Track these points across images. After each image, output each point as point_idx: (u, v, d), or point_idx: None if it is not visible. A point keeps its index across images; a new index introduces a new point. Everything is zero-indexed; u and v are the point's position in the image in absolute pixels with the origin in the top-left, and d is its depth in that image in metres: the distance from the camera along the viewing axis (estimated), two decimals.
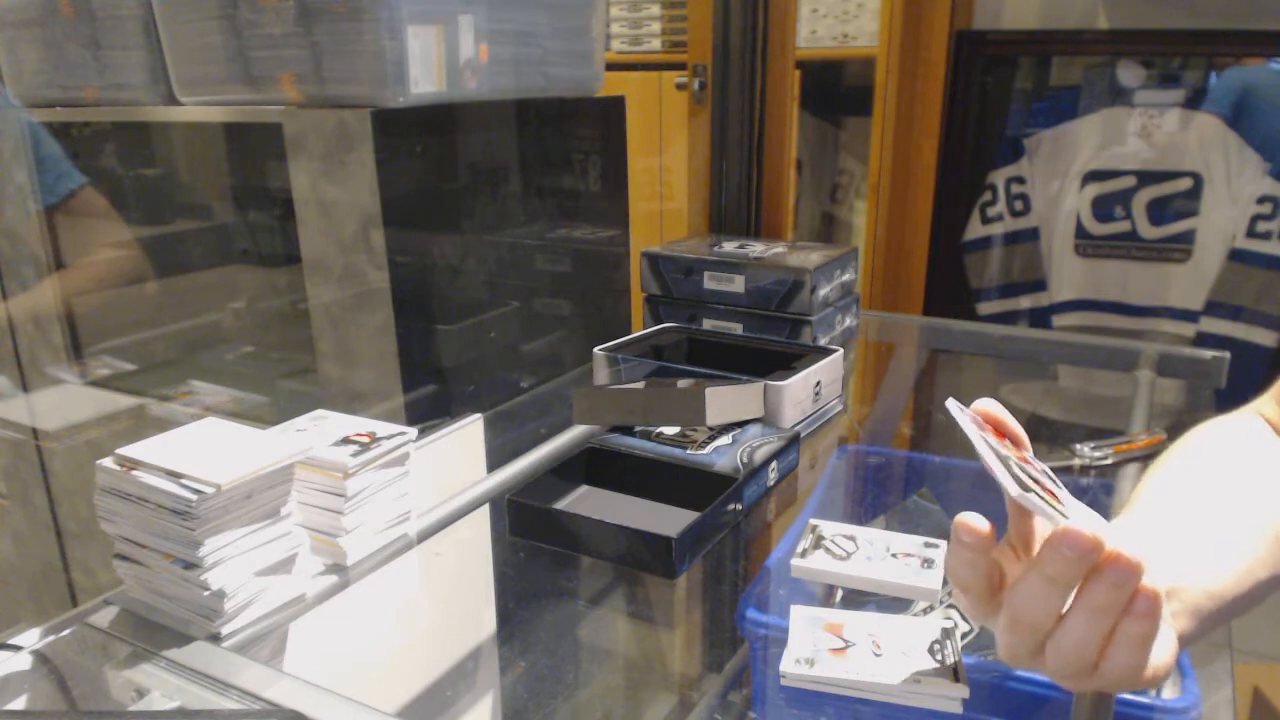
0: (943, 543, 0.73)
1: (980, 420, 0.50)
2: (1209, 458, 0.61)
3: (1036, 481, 0.46)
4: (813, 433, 1.00)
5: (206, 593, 0.63)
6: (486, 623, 0.77)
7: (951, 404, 0.50)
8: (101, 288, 1.43)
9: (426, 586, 0.79)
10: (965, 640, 0.61)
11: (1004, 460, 0.46)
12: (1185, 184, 1.81)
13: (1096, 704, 0.52)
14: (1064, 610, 0.43)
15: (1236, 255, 1.77)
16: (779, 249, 1.24)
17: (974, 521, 0.44)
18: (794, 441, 0.92)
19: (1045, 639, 0.44)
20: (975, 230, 2.00)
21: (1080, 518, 0.42)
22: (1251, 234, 1.75)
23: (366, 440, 0.75)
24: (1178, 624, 0.47)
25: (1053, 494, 0.47)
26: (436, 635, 0.75)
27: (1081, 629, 0.42)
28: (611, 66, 1.36)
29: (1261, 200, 1.74)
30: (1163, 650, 0.44)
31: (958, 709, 0.56)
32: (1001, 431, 0.51)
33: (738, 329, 1.20)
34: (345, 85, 1.01)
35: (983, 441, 0.46)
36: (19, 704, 0.61)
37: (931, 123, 1.94)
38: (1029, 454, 0.51)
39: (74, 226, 1.39)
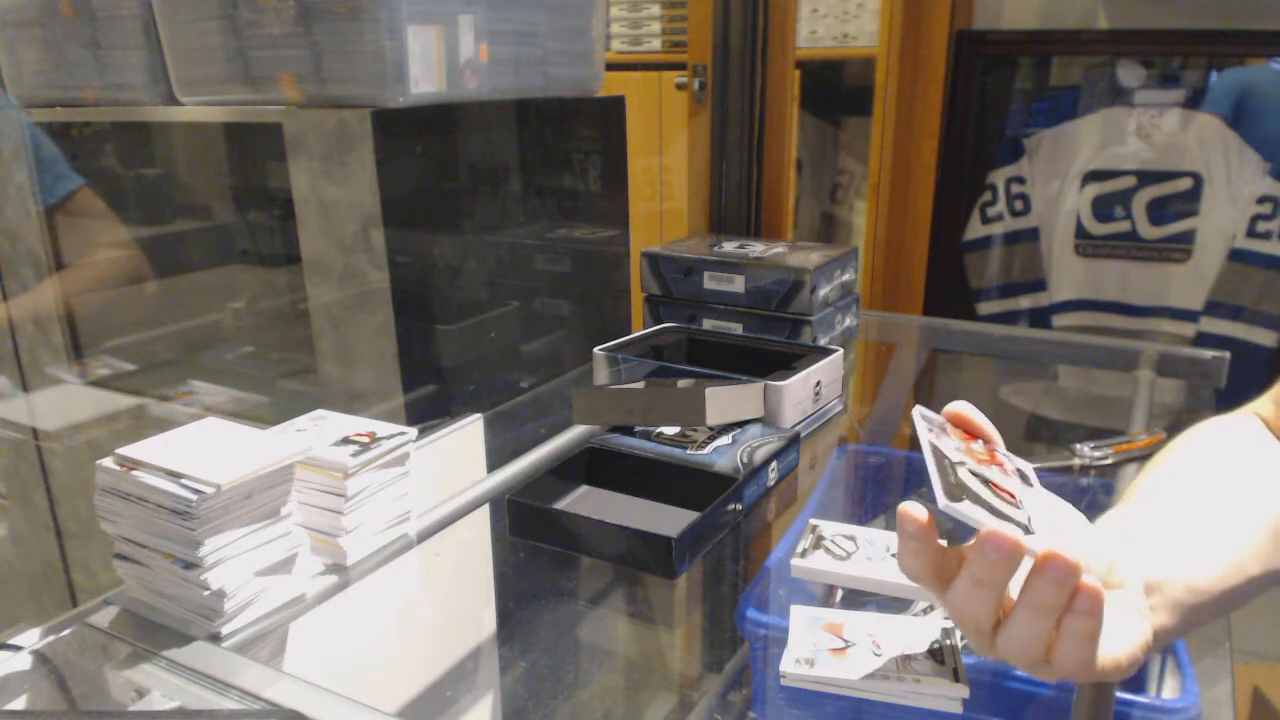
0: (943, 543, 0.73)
1: (947, 425, 0.51)
2: (1203, 455, 0.61)
3: (991, 484, 0.47)
4: (813, 433, 1.00)
5: (206, 593, 0.63)
6: (486, 623, 0.77)
7: (917, 412, 0.50)
8: (101, 288, 1.43)
9: (426, 586, 0.79)
10: (965, 640, 0.61)
11: (950, 468, 0.46)
12: (1185, 184, 1.81)
13: (1096, 704, 0.52)
14: (1001, 607, 0.44)
15: (1236, 255, 1.77)
16: (779, 249, 1.25)
17: (914, 511, 0.45)
18: (794, 441, 0.92)
19: (992, 635, 0.45)
20: (975, 230, 2.00)
21: (1006, 525, 0.43)
22: (1251, 234, 1.75)
23: (366, 440, 0.75)
24: (1156, 617, 0.47)
25: (1010, 494, 0.47)
26: (436, 635, 0.75)
27: (1026, 625, 0.43)
28: (611, 66, 1.36)
29: (1261, 200, 1.74)
30: (1126, 641, 0.45)
31: (958, 709, 0.57)
32: (974, 433, 0.51)
33: (738, 329, 1.20)
34: (345, 85, 1.01)
35: (931, 449, 0.47)
36: (19, 704, 0.61)
37: (931, 123, 1.94)
38: (1001, 452, 0.51)
39: (72, 227, 1.39)
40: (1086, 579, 0.42)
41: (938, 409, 0.52)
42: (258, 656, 0.63)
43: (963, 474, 0.46)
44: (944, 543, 0.47)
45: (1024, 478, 0.51)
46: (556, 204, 1.29)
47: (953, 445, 0.49)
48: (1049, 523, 0.47)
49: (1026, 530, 0.44)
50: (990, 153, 1.98)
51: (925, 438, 0.48)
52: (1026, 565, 0.43)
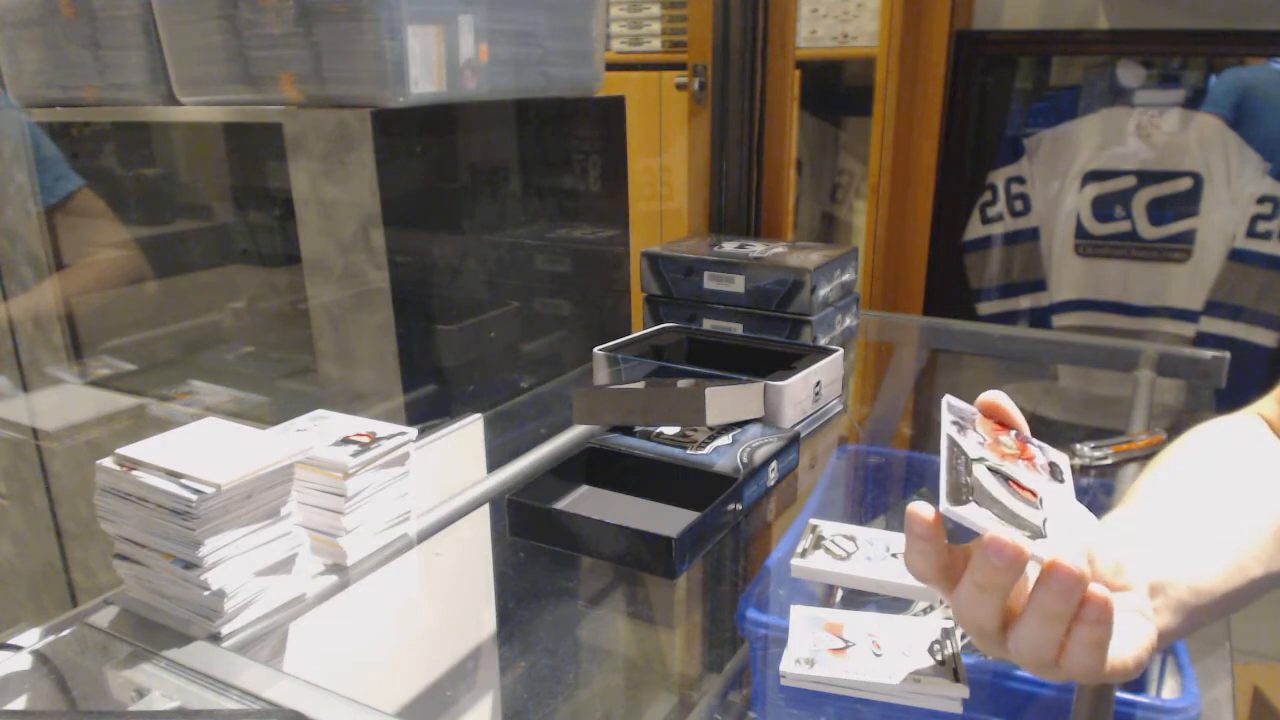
0: None
1: (976, 417, 0.51)
2: (1206, 455, 0.61)
3: (1011, 481, 0.46)
4: (813, 433, 1.00)
5: (206, 593, 0.63)
6: (486, 623, 0.77)
7: (945, 402, 0.50)
8: (102, 288, 1.43)
9: (426, 586, 0.79)
10: (965, 640, 0.61)
11: (963, 466, 0.46)
12: (1185, 184, 1.81)
13: (1096, 704, 0.52)
14: (1004, 611, 0.44)
15: (1236, 255, 1.77)
16: (779, 249, 1.24)
17: (921, 511, 0.45)
18: (794, 441, 0.92)
19: (998, 636, 0.45)
20: (975, 230, 2.00)
21: (1009, 530, 0.43)
22: (1251, 234, 1.75)
23: (366, 440, 0.75)
24: (1160, 619, 0.47)
25: (1032, 493, 0.47)
26: (436, 635, 0.75)
27: (1035, 632, 0.43)
28: (611, 66, 1.36)
29: (1261, 200, 1.74)
30: (1133, 644, 0.44)
31: (958, 709, 0.56)
32: (1007, 423, 0.51)
33: (738, 329, 1.20)
34: (345, 85, 1.01)
35: (948, 444, 0.46)
36: (19, 704, 0.61)
37: (931, 123, 1.94)
38: (1034, 444, 0.51)
39: (72, 228, 1.39)
40: (1095, 588, 0.42)
41: (937, 410, 0.51)
42: (258, 656, 0.63)
43: (978, 471, 0.46)
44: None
45: (1055, 472, 0.50)
46: (556, 204, 1.29)
47: (976, 439, 0.48)
48: (1066, 525, 0.46)
49: (1039, 533, 0.44)
50: (990, 153, 1.98)
51: (946, 430, 0.47)
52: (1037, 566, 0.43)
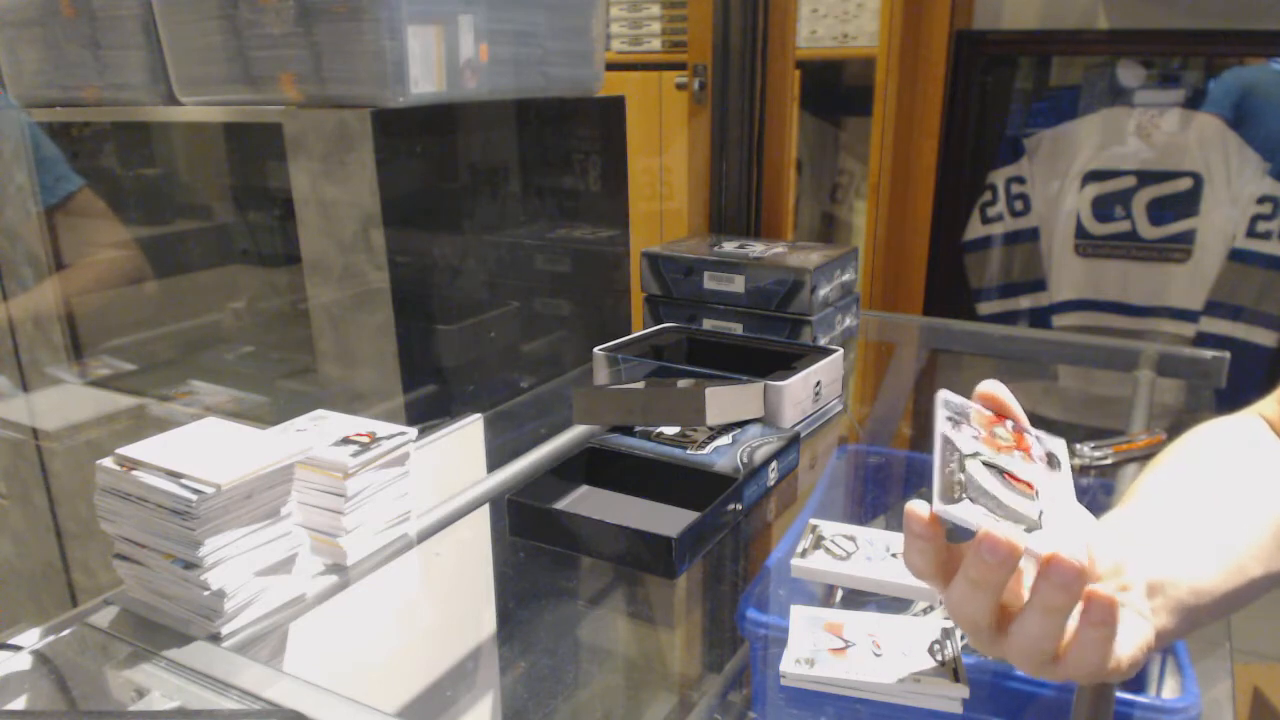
0: None
1: (972, 410, 0.50)
2: (1206, 455, 0.61)
3: (1007, 474, 0.46)
4: (813, 433, 1.00)
5: (206, 593, 0.63)
6: (486, 623, 0.77)
7: (940, 397, 0.50)
8: (102, 288, 1.43)
9: (426, 586, 0.79)
10: (965, 640, 0.61)
11: (957, 464, 0.46)
12: (1185, 184, 1.81)
13: (1096, 704, 0.52)
14: (998, 608, 0.44)
15: (1236, 255, 1.77)
16: (779, 249, 1.24)
17: (919, 509, 0.45)
18: (794, 441, 0.92)
19: (992, 633, 0.45)
20: (975, 230, 2.00)
21: (1002, 527, 0.43)
22: (1251, 234, 1.75)
23: (366, 440, 0.75)
24: (1158, 619, 0.47)
25: (1028, 485, 0.46)
26: (436, 635, 0.75)
27: (1035, 628, 0.43)
28: (611, 66, 1.36)
29: (1261, 200, 1.74)
30: (1129, 644, 0.44)
31: (958, 709, 0.56)
32: (1005, 414, 0.51)
33: (738, 329, 1.20)
34: (345, 85, 1.01)
35: (941, 442, 0.46)
36: (19, 704, 0.61)
37: (931, 123, 1.94)
38: (1031, 434, 0.51)
39: (73, 228, 1.39)
40: (1100, 588, 0.42)
41: None
42: (258, 656, 0.63)
43: (972, 467, 0.46)
44: None
45: (1053, 461, 0.50)
46: (556, 204, 1.29)
47: (971, 434, 0.48)
48: (1063, 518, 0.46)
49: (1035, 526, 0.44)
50: (990, 153, 1.98)
51: (940, 427, 0.47)
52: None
